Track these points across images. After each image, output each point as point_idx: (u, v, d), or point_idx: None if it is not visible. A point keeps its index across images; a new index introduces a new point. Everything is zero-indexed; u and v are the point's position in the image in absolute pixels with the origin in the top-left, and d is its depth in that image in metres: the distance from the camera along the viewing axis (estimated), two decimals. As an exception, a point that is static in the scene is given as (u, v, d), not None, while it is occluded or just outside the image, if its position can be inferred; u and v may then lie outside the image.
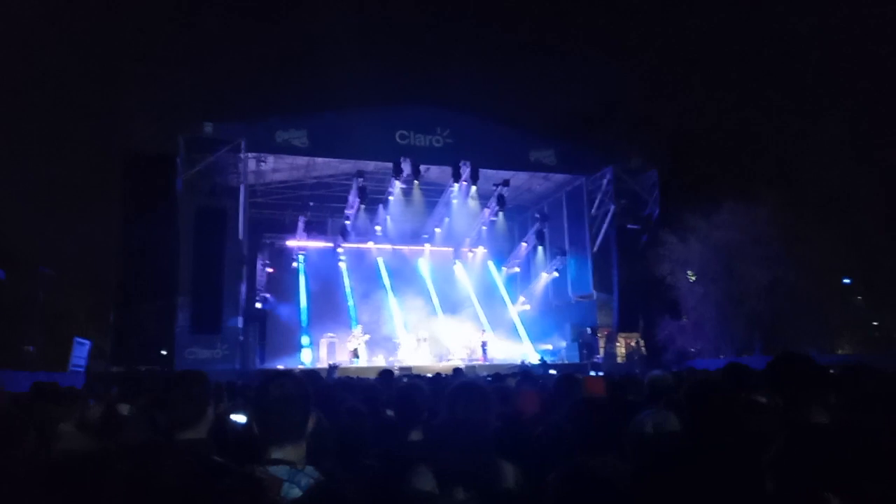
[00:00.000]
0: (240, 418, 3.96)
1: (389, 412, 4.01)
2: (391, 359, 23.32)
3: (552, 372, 17.16)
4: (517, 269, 30.58)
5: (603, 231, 25.00)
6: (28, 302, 20.82)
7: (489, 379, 8.30)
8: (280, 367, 20.52)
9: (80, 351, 17.75)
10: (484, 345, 24.55)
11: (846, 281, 25.77)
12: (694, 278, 22.84)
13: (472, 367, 20.26)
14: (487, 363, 22.67)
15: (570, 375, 4.97)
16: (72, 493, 2.33)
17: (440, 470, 2.26)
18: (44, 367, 17.28)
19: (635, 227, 24.61)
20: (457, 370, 8.87)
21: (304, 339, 24.90)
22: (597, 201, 25.29)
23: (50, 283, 22.00)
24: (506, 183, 25.14)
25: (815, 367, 2.62)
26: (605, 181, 24.93)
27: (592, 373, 18.76)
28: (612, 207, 24.55)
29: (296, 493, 1.92)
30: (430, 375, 9.03)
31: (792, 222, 20.86)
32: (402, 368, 18.30)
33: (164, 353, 18.90)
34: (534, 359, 23.90)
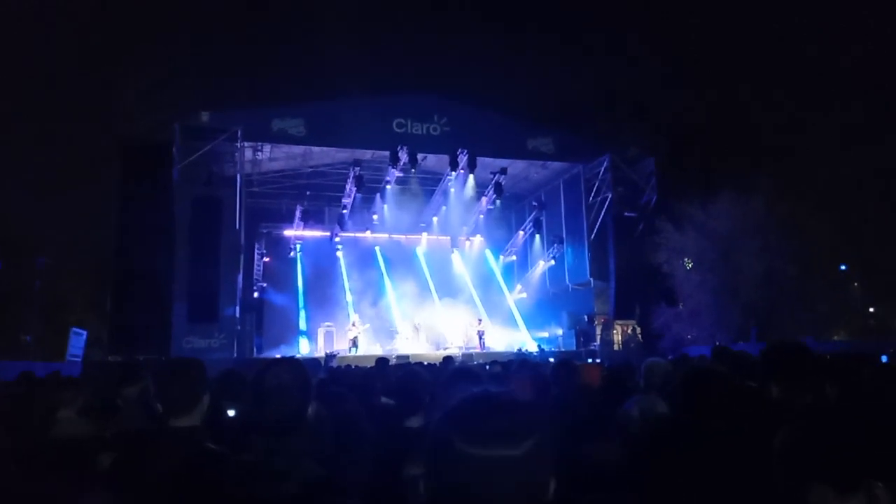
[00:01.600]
0: (230, 412, 3.97)
1: (385, 399, 4.02)
2: (389, 347, 23.37)
3: (551, 360, 17.22)
4: (514, 258, 30.60)
5: (600, 219, 25.01)
6: (25, 291, 20.79)
7: (486, 367, 8.31)
8: (277, 356, 20.55)
9: (77, 341, 17.78)
10: (481, 333, 24.59)
11: (842, 268, 25.85)
12: (690, 266, 22.90)
13: (469, 356, 20.32)
14: (485, 351, 22.73)
15: (567, 361, 4.97)
16: (66, 478, 2.34)
17: None
18: (41, 357, 17.31)
19: (632, 214, 24.62)
20: (447, 358, 8.88)
21: (302, 328, 24.95)
22: (594, 189, 25.28)
23: (47, 272, 21.97)
24: (503, 171, 25.10)
25: (810, 355, 2.62)
26: (602, 169, 24.91)
27: (589, 360, 18.84)
28: (610, 195, 24.54)
29: (293, 483, 1.91)
30: (425, 363, 9.07)
31: (788, 211, 20.91)
32: (399, 357, 18.36)
33: (161, 342, 18.90)
34: (531, 347, 23.96)
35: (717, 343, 19.52)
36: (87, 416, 3.68)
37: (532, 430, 1.02)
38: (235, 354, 20.19)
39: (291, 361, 2.28)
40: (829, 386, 2.83)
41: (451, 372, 2.76)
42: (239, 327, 21.40)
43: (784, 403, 2.48)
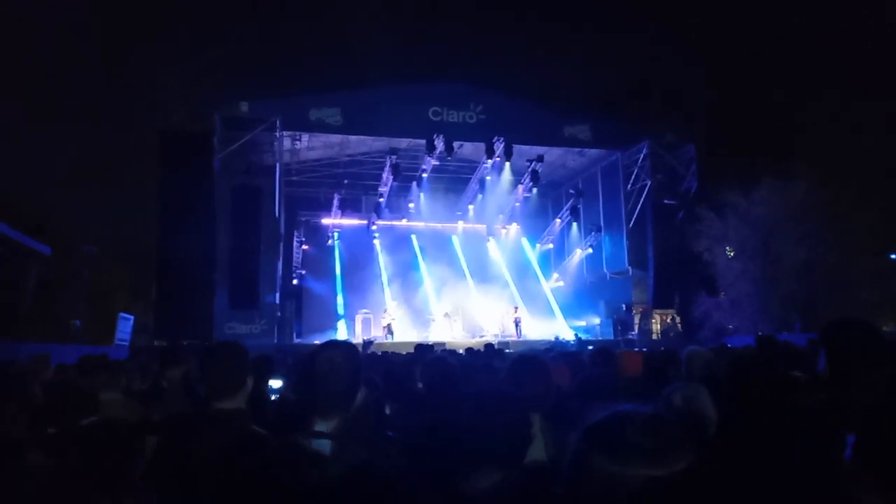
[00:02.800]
0: (276, 382, 4.06)
1: (420, 385, 4.04)
2: (425, 334, 23.45)
3: (590, 349, 17.06)
4: (551, 246, 30.37)
5: (639, 206, 24.59)
6: (74, 278, 21.44)
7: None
8: (317, 342, 20.80)
9: (125, 326, 18.25)
10: (517, 321, 24.50)
11: (893, 256, 24.96)
12: (732, 254, 22.39)
13: (505, 343, 20.27)
14: (521, 339, 22.66)
15: (605, 349, 4.91)
16: (111, 458, 2.40)
17: (477, 445, 2.22)
18: (90, 342, 17.85)
19: (672, 202, 24.15)
20: (488, 345, 8.86)
21: (340, 315, 25.22)
22: (633, 176, 24.85)
23: (95, 259, 22.61)
24: (540, 159, 24.87)
25: (878, 335, 2.41)
26: (641, 156, 24.47)
27: (636, 349, 18.60)
28: (649, 182, 24.11)
29: (338, 467, 1.91)
30: (461, 351, 9.07)
31: (832, 199, 20.26)
32: (436, 344, 18.39)
33: (203, 328, 19.30)
34: (568, 335, 23.79)
35: (760, 333, 19.10)
36: (134, 398, 3.78)
37: (681, 453, 0.96)
38: (276, 340, 20.52)
39: (345, 344, 2.26)
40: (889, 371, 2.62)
41: (515, 358, 2.75)
42: (279, 314, 21.73)
43: (837, 395, 2.32)
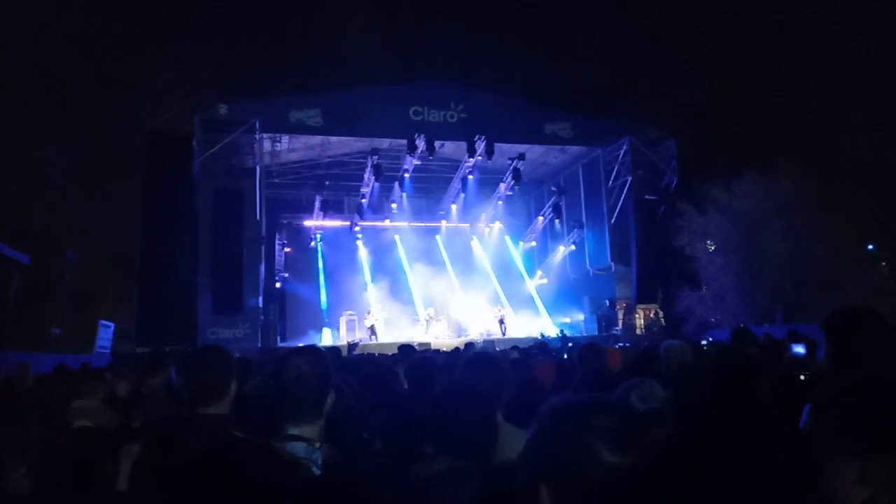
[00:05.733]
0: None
1: (406, 386, 4.06)
2: (409, 335, 23.45)
3: (570, 345, 17.14)
4: (534, 244, 30.47)
5: (620, 202, 24.78)
6: (54, 285, 21.16)
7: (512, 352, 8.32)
8: (299, 345, 20.74)
9: (105, 333, 18.10)
10: (502, 320, 24.58)
11: (870, 247, 25.34)
12: (713, 248, 22.64)
13: (491, 342, 20.32)
14: (506, 338, 22.72)
15: (594, 344, 4.94)
16: (89, 466, 2.38)
17: (440, 438, 2.22)
18: (70, 350, 17.65)
19: (653, 197, 24.36)
20: (468, 344, 8.92)
21: (324, 317, 25.14)
22: (614, 173, 25.03)
23: (76, 265, 22.32)
24: (521, 157, 24.94)
25: (885, 322, 2.35)
26: (621, 152, 24.64)
27: (619, 345, 18.71)
28: (630, 178, 24.29)
29: (313, 470, 1.94)
30: (445, 350, 9.11)
31: (814, 192, 20.52)
32: (420, 344, 18.41)
33: (186, 333, 19.18)
34: (553, 332, 23.90)
35: (741, 325, 19.32)
36: (113, 405, 3.77)
37: (643, 439, 0.99)
38: (260, 344, 20.43)
39: (312, 350, 2.30)
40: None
41: (470, 357, 2.78)
42: (262, 317, 21.65)
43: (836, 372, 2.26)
